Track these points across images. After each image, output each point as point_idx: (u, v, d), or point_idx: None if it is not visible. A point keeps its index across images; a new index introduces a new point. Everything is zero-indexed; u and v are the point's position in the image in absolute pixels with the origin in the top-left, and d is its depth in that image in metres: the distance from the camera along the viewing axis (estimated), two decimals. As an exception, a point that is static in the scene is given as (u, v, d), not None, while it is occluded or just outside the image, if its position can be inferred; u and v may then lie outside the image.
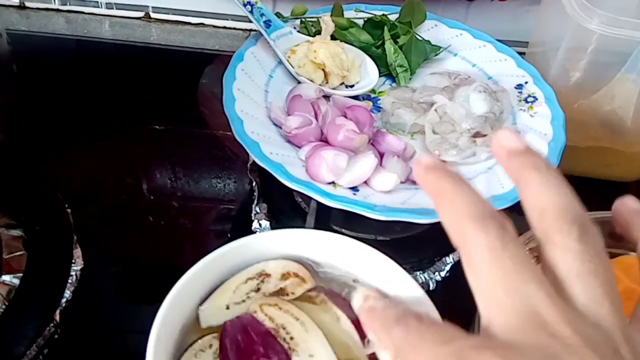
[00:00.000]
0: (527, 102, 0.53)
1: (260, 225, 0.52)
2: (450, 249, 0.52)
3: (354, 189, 0.44)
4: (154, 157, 0.62)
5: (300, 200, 0.55)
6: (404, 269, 0.51)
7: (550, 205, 0.26)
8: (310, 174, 0.44)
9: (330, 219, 0.54)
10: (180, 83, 0.71)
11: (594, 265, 0.25)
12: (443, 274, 0.51)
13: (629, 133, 0.59)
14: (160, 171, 0.62)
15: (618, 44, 0.53)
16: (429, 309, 0.37)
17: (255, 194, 0.54)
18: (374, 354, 0.37)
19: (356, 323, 0.38)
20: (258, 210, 0.53)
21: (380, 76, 0.57)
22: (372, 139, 0.48)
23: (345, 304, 0.39)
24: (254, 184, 0.54)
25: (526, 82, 0.55)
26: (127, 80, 0.72)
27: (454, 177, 0.28)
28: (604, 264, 0.25)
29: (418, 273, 0.51)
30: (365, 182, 0.45)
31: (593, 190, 0.61)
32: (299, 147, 0.47)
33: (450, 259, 0.51)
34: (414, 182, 0.47)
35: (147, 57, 0.76)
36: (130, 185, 0.59)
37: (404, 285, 0.39)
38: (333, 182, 0.44)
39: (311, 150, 0.45)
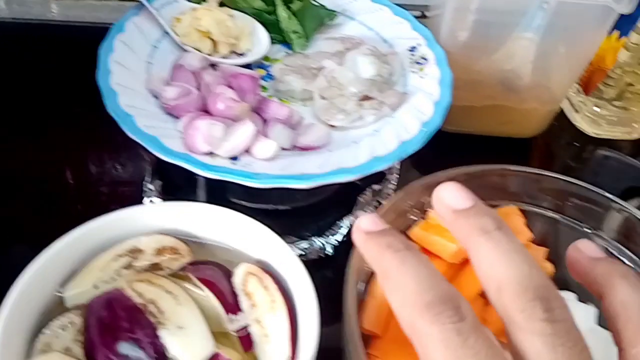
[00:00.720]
0: (418, 64, 0.53)
1: (151, 202, 0.51)
2: (347, 212, 0.52)
3: (235, 158, 0.43)
4: (56, 140, 0.60)
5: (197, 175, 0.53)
6: (305, 235, 0.51)
7: (507, 279, 0.22)
8: (187, 145, 0.43)
9: (226, 192, 0.53)
10: (84, 61, 0.68)
11: (567, 348, 0.21)
12: (340, 237, 0.51)
13: (525, 90, 0.59)
14: (60, 153, 0.59)
15: (505, 2, 0.53)
16: (305, 281, 0.37)
17: (148, 171, 0.53)
18: (240, 329, 0.37)
19: (222, 300, 0.37)
20: (151, 188, 0.52)
21: (276, 43, 0.56)
22: (257, 107, 0.47)
23: (217, 279, 0.39)
24: (148, 160, 0.53)
25: (419, 45, 0.54)
26: (27, 62, 0.68)
27: (398, 249, 0.24)
28: (578, 342, 0.22)
29: (316, 238, 0.51)
30: (247, 151, 0.44)
31: (492, 148, 0.62)
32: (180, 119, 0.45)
33: (345, 222, 0.51)
34: (301, 149, 0.46)
35: (47, 36, 0.73)
36: (31, 170, 0.56)
37: (281, 253, 0.39)
38: (211, 153, 0.43)
39: (187, 121, 0.43)
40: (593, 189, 0.45)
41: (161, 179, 0.52)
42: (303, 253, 0.49)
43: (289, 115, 0.46)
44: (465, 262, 0.43)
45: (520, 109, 0.60)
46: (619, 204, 0.44)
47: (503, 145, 0.63)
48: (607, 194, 0.44)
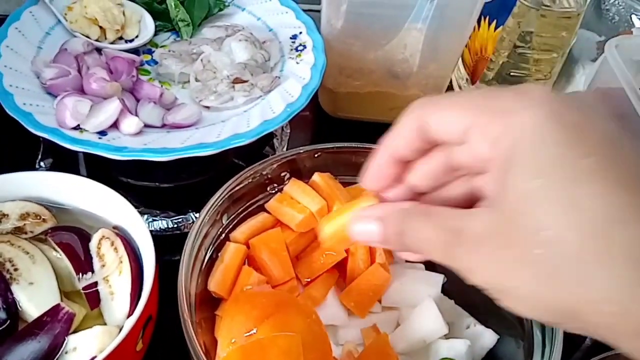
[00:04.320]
0: (297, 50, 0.57)
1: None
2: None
3: (102, 133, 0.47)
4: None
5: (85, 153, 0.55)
6: (184, 210, 0.55)
7: None
8: (57, 121, 0.46)
9: (111, 169, 0.56)
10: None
11: None
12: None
13: (407, 78, 0.63)
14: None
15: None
16: (149, 246, 0.40)
17: (40, 149, 0.56)
18: (86, 287, 0.40)
19: (75, 261, 0.41)
20: (42, 165, 0.55)
21: (166, 31, 0.59)
22: (132, 88, 0.51)
23: (73, 242, 0.42)
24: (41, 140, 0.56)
25: (300, 33, 0.58)
26: None
27: None
28: None
29: (193, 213, 0.53)
30: (117, 128, 0.47)
31: (380, 131, 0.65)
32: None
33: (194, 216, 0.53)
34: (171, 127, 0.50)
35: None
36: None
37: (133, 220, 0.43)
38: (79, 128, 0.46)
39: (59, 99, 0.47)
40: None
41: (53, 157, 0.56)
42: (177, 226, 0.52)
43: (160, 94, 0.50)
44: (311, 232, 0.47)
45: (402, 95, 0.64)
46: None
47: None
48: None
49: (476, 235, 0.26)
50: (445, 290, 0.47)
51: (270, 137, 0.62)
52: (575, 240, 0.23)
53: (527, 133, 0.24)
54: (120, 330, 0.37)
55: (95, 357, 0.35)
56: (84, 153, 0.56)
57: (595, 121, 0.25)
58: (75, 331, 0.37)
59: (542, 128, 0.24)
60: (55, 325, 0.37)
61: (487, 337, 0.43)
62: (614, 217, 0.23)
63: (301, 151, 0.48)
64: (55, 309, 0.38)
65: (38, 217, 0.44)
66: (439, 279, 0.46)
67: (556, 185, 0.23)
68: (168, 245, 0.49)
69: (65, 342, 0.37)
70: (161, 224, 0.53)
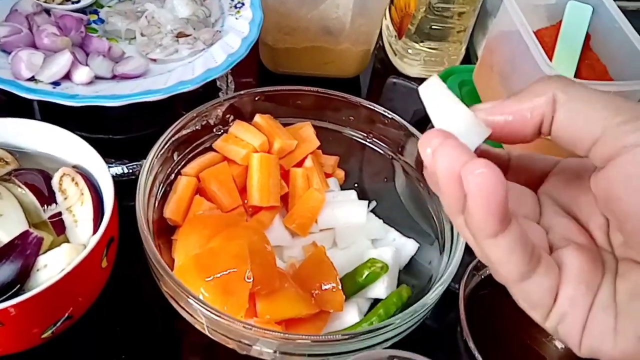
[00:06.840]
0: (236, 7, 0.61)
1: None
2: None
3: (56, 83, 0.51)
4: None
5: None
6: (138, 158, 0.59)
7: None
8: (14, 74, 0.50)
9: (68, 124, 0.59)
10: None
11: None
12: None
13: (340, 33, 0.69)
14: None
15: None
16: (108, 179, 0.45)
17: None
18: (52, 216, 0.45)
19: (39, 196, 0.45)
20: None
21: (111, -6, 0.63)
22: (82, 43, 0.54)
23: (36, 181, 0.46)
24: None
25: (239, -9, 0.63)
26: None
27: None
28: None
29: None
30: (69, 79, 0.51)
31: (318, 85, 0.71)
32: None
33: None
34: (121, 78, 0.54)
35: None
36: None
37: (91, 158, 0.47)
38: (34, 79, 0.50)
39: (14, 54, 0.50)
40: (368, 105, 0.55)
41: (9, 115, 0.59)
42: (131, 171, 0.57)
43: (108, 48, 0.54)
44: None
45: (336, 49, 0.69)
46: (381, 112, 0.54)
47: (334, 85, 0.73)
48: (375, 107, 0.54)
49: None
50: (375, 212, 0.54)
51: (216, 91, 0.66)
52: None
53: None
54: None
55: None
56: (42, 110, 0.61)
57: None
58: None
59: None
60: (26, 247, 0.41)
61: (409, 246, 0.50)
62: None
63: (242, 93, 0.53)
64: (25, 234, 0.42)
65: (1, 160, 0.48)
66: (366, 202, 0.53)
67: None
68: (125, 191, 0.53)
69: (36, 261, 0.41)
70: (117, 170, 0.57)
